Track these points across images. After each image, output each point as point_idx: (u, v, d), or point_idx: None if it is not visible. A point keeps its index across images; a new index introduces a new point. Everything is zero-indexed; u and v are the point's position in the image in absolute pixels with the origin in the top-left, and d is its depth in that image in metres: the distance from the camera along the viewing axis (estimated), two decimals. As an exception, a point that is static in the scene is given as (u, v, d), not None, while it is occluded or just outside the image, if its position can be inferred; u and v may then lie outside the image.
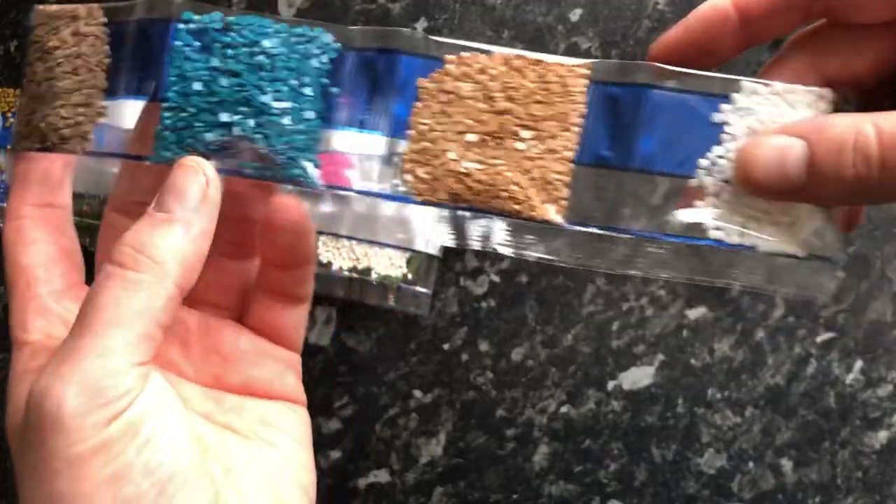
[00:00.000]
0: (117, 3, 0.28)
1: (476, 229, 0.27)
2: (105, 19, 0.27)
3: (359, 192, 0.27)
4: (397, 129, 0.26)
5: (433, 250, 0.47)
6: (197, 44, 0.27)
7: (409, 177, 0.27)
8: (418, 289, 0.47)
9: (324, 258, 0.47)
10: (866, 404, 0.51)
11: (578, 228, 0.26)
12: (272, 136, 0.26)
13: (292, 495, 0.27)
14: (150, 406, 0.23)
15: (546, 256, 0.28)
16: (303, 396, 0.30)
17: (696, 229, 0.26)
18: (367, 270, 0.47)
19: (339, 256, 0.47)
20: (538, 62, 0.26)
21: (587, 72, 0.26)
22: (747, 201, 0.25)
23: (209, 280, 0.25)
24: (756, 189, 0.24)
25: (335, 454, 0.49)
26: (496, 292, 0.49)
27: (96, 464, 0.21)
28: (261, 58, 0.27)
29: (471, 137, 0.26)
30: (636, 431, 0.50)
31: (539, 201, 0.26)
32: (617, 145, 0.26)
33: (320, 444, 0.48)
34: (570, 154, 0.26)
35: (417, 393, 0.49)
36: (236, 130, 0.26)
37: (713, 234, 0.25)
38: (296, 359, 0.30)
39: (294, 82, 0.27)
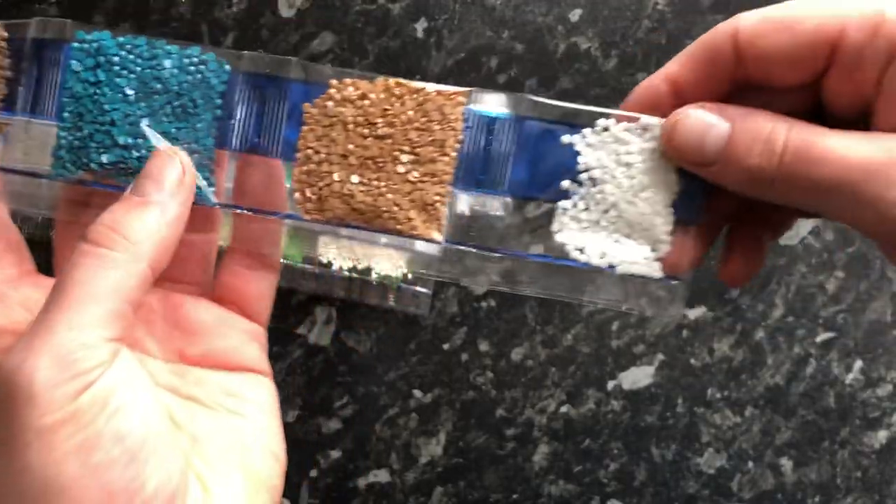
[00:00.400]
0: (16, 20, 0.28)
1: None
2: (6, 34, 0.28)
3: (250, 211, 0.29)
4: (287, 152, 0.28)
5: (433, 250, 0.47)
6: (90, 64, 0.27)
7: (297, 196, 0.28)
8: (418, 289, 0.47)
9: (324, 258, 0.47)
10: (866, 404, 0.51)
11: (455, 247, 0.29)
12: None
13: (262, 462, 0.28)
14: (120, 378, 0.23)
15: (426, 272, 0.30)
16: (267, 368, 0.30)
17: (561, 250, 0.28)
18: (367, 270, 0.47)
19: (339, 256, 0.47)
20: (418, 90, 0.28)
21: (464, 100, 0.28)
22: (608, 226, 0.28)
23: (174, 259, 0.27)
24: (674, 153, 0.26)
25: (335, 454, 0.49)
26: (496, 292, 0.49)
27: (65, 433, 0.22)
28: (154, 80, 0.27)
29: (353, 161, 0.28)
30: (636, 431, 0.50)
31: (419, 221, 0.29)
32: (491, 171, 0.28)
33: (320, 444, 0.48)
34: (448, 178, 0.28)
35: (417, 393, 0.49)
36: (132, 152, 0.27)
37: (576, 254, 0.28)
38: (260, 331, 0.30)
39: (188, 104, 0.28)
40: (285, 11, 0.49)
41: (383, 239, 0.46)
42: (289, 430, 0.48)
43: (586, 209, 0.28)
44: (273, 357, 0.48)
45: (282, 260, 0.46)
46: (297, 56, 0.48)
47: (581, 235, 0.28)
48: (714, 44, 0.26)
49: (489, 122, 0.28)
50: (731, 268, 0.29)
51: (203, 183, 0.28)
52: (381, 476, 0.49)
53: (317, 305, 0.49)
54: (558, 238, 0.28)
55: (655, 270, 0.28)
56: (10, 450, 0.22)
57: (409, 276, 0.47)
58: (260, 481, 0.27)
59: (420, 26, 0.49)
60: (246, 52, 0.28)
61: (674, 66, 0.27)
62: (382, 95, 0.28)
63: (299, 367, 0.49)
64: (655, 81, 0.27)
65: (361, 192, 0.28)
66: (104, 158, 0.27)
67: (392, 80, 0.28)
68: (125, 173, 0.28)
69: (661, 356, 0.50)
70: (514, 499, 0.49)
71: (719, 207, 0.28)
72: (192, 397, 0.28)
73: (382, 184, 0.28)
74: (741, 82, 0.26)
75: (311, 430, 0.48)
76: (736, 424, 0.50)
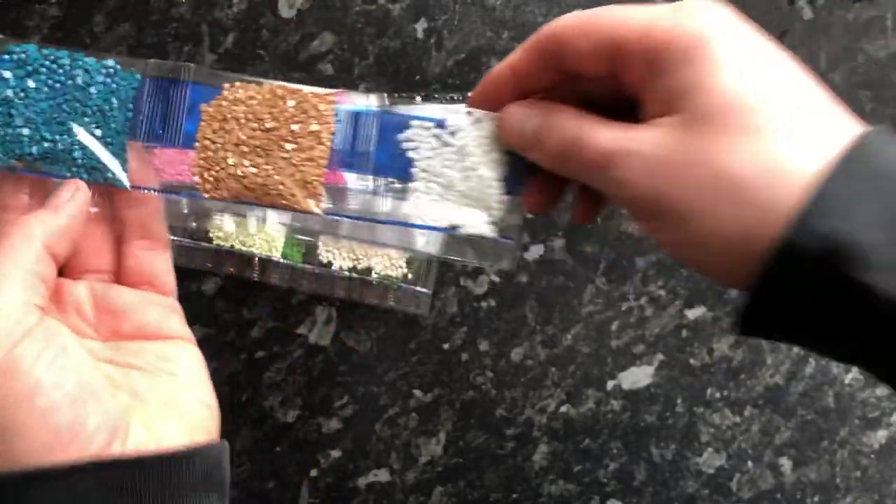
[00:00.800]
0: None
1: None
2: None
3: (160, 192, 0.35)
4: (187, 142, 0.34)
5: (433, 250, 0.47)
6: (20, 73, 0.33)
7: (197, 178, 0.35)
8: (418, 289, 0.47)
9: (324, 258, 0.47)
10: (865, 404, 0.51)
11: (332, 217, 0.35)
12: (87, 149, 0.34)
13: (197, 409, 0.33)
14: (50, 335, 0.29)
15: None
16: (190, 335, 0.36)
17: (418, 217, 0.35)
18: (367, 270, 0.47)
19: (339, 256, 0.47)
20: (296, 91, 0.34)
21: (334, 99, 0.34)
22: (452, 197, 0.35)
23: (88, 250, 0.34)
24: (504, 139, 0.33)
25: (335, 453, 0.49)
26: (496, 292, 0.49)
27: (8, 384, 0.27)
28: (75, 88, 0.34)
29: (245, 149, 0.34)
30: (635, 431, 0.50)
31: (301, 197, 0.35)
32: (358, 156, 0.35)
33: (320, 443, 0.49)
34: (324, 161, 0.34)
35: (417, 392, 0.49)
36: (58, 145, 0.33)
37: (430, 220, 0.35)
38: (175, 303, 0.36)
39: (104, 106, 0.34)
40: (285, 12, 0.49)
41: (383, 239, 0.48)
42: (289, 429, 0.48)
43: (434, 185, 0.35)
44: (273, 357, 0.48)
45: (282, 260, 0.47)
46: (297, 57, 0.49)
47: (431, 205, 0.35)
48: (540, 41, 0.31)
49: (355, 117, 0.35)
50: (578, 211, 0.35)
51: (117, 169, 0.34)
52: (382, 476, 0.49)
53: (317, 305, 0.49)
54: (412, 209, 0.35)
55: (491, 232, 0.35)
56: None
57: (409, 275, 0.47)
58: (196, 425, 0.33)
59: (420, 27, 0.49)
60: (153, 60, 0.35)
61: (515, 57, 0.32)
62: (268, 96, 0.34)
63: (299, 366, 0.49)
64: (502, 68, 0.33)
65: (253, 173, 0.34)
66: (33, 150, 0.33)
67: (276, 84, 0.34)
68: (51, 162, 0.33)
69: (660, 356, 0.50)
70: (513, 498, 0.49)
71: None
72: (129, 364, 0.33)
73: (270, 167, 0.34)
74: (571, 71, 0.31)
75: (312, 429, 0.49)
76: (735, 424, 0.50)
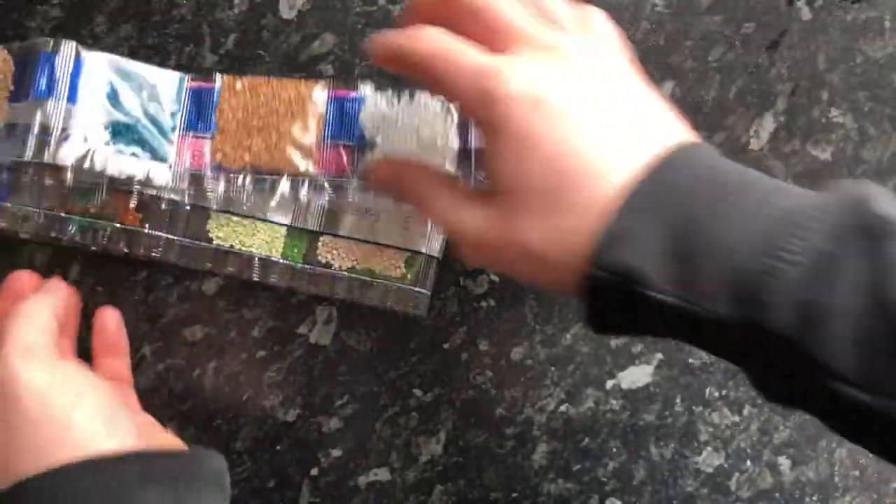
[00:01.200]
0: (22, 42, 0.45)
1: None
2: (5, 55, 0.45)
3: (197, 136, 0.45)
4: (214, 127, 0.45)
5: (433, 251, 0.48)
6: (118, 76, 0.45)
7: (218, 154, 0.45)
8: (417, 289, 0.48)
9: (324, 258, 0.47)
10: (863, 403, 0.51)
11: (325, 178, 0.45)
12: (148, 132, 0.45)
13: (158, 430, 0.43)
14: (73, 366, 0.39)
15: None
16: (151, 419, 0.44)
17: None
18: (367, 271, 0.47)
19: (339, 256, 0.47)
20: (296, 82, 0.46)
21: (325, 86, 0.46)
22: (413, 151, 0.45)
23: None
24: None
25: (336, 452, 0.49)
26: (496, 292, 0.50)
27: (58, 389, 0.36)
28: (149, 88, 0.45)
29: (256, 124, 0.45)
30: (635, 430, 0.50)
31: (302, 162, 0.45)
32: (345, 131, 0.45)
33: (321, 442, 0.49)
34: (318, 134, 0.45)
35: (417, 392, 0.49)
36: (128, 124, 0.44)
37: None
38: (134, 395, 0.46)
39: (160, 102, 0.45)
40: (286, 13, 0.49)
41: (383, 240, 0.48)
42: (289, 429, 0.49)
43: (399, 143, 0.46)
44: (274, 357, 0.48)
45: (282, 260, 0.47)
46: (298, 57, 0.49)
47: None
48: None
49: (341, 102, 0.46)
50: None
51: (166, 148, 0.45)
52: (382, 474, 0.49)
53: (317, 305, 0.49)
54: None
55: (450, 167, 0.46)
56: (24, 408, 0.35)
57: (408, 276, 0.47)
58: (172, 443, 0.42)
59: (420, 27, 0.49)
60: (190, 73, 0.46)
61: None
62: (274, 86, 0.45)
63: (300, 366, 0.49)
64: None
65: (262, 147, 0.44)
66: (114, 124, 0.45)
67: (274, 79, 0.46)
68: (122, 133, 0.44)
69: (659, 355, 0.50)
70: (513, 497, 0.49)
71: None
72: None
73: (275, 139, 0.44)
74: None
75: (312, 429, 0.49)
76: (734, 423, 0.51)
